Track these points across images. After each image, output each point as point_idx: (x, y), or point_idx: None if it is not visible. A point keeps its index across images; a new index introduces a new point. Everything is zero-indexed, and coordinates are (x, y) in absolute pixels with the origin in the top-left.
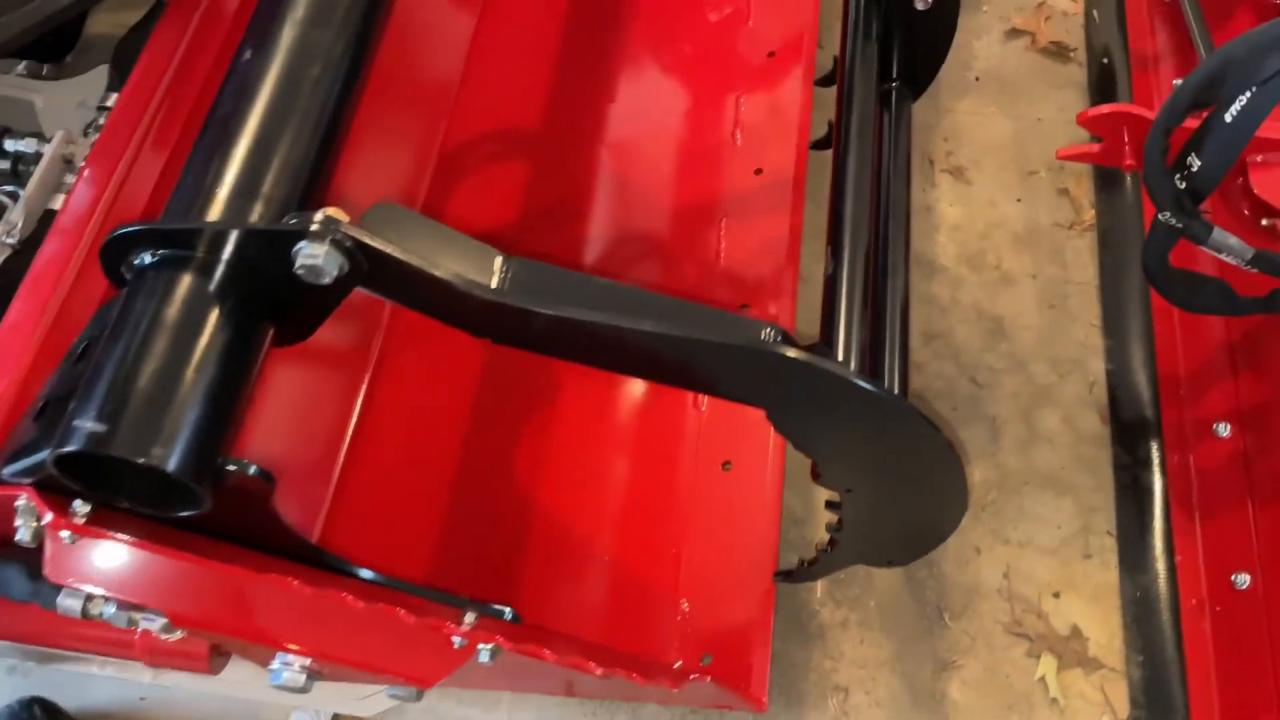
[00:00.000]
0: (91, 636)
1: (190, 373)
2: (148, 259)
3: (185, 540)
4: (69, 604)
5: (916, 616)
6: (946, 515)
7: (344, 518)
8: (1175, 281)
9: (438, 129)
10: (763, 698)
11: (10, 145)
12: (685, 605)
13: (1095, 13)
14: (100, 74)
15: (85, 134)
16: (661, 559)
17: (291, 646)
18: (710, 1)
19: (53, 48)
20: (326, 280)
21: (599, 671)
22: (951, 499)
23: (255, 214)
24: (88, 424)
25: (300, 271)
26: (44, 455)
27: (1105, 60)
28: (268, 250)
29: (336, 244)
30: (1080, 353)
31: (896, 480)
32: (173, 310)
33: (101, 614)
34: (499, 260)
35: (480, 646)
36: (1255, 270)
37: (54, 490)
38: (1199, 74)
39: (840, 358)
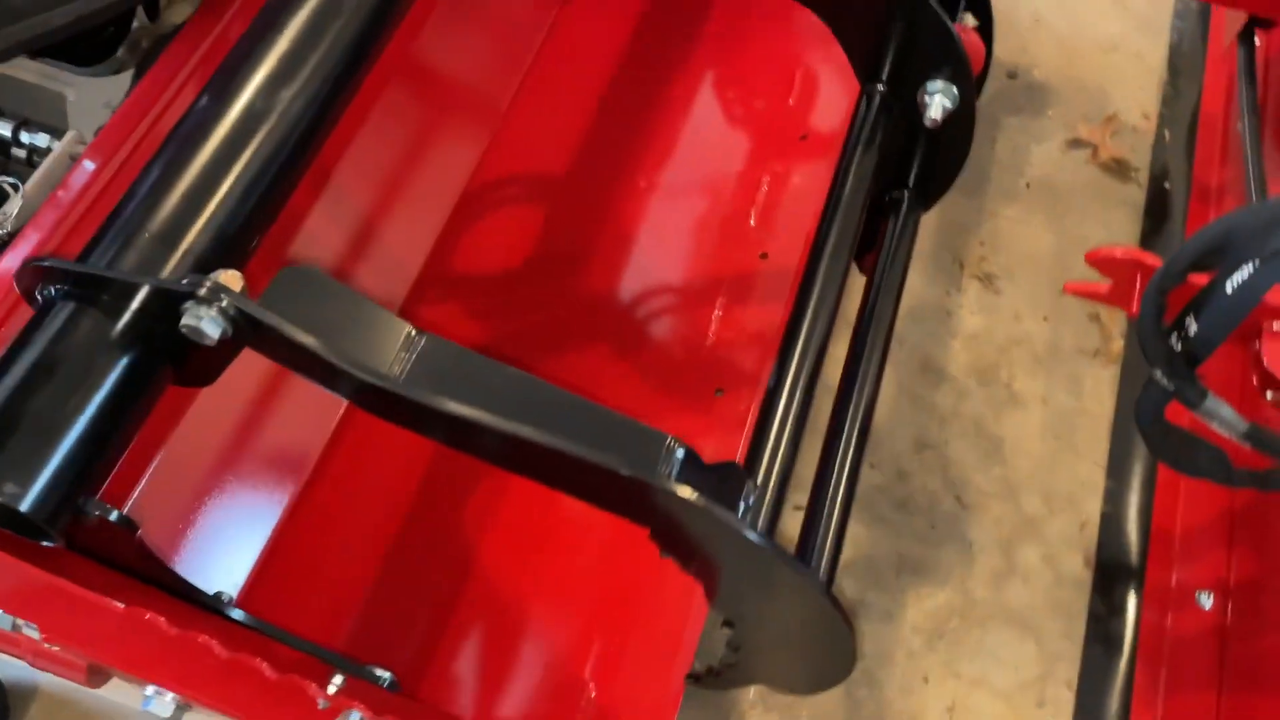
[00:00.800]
0: None
1: (66, 413)
2: (53, 291)
3: (67, 562)
4: None
5: None
6: (830, 671)
7: (279, 563)
8: (1168, 441)
9: (471, 157)
10: None
11: (26, 137)
12: (592, 691)
13: (1167, 132)
14: (128, 77)
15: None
16: (579, 642)
17: (154, 680)
18: (759, 71)
19: (83, 51)
20: (209, 342)
21: None
22: (836, 660)
23: (170, 264)
24: None
25: (184, 330)
26: None
27: (1165, 185)
28: (160, 305)
29: (222, 310)
30: (1077, 490)
31: (783, 627)
32: (64, 348)
33: None
34: (405, 336)
35: (348, 711)
36: (1247, 446)
37: None
38: (1200, 239)
39: (760, 481)
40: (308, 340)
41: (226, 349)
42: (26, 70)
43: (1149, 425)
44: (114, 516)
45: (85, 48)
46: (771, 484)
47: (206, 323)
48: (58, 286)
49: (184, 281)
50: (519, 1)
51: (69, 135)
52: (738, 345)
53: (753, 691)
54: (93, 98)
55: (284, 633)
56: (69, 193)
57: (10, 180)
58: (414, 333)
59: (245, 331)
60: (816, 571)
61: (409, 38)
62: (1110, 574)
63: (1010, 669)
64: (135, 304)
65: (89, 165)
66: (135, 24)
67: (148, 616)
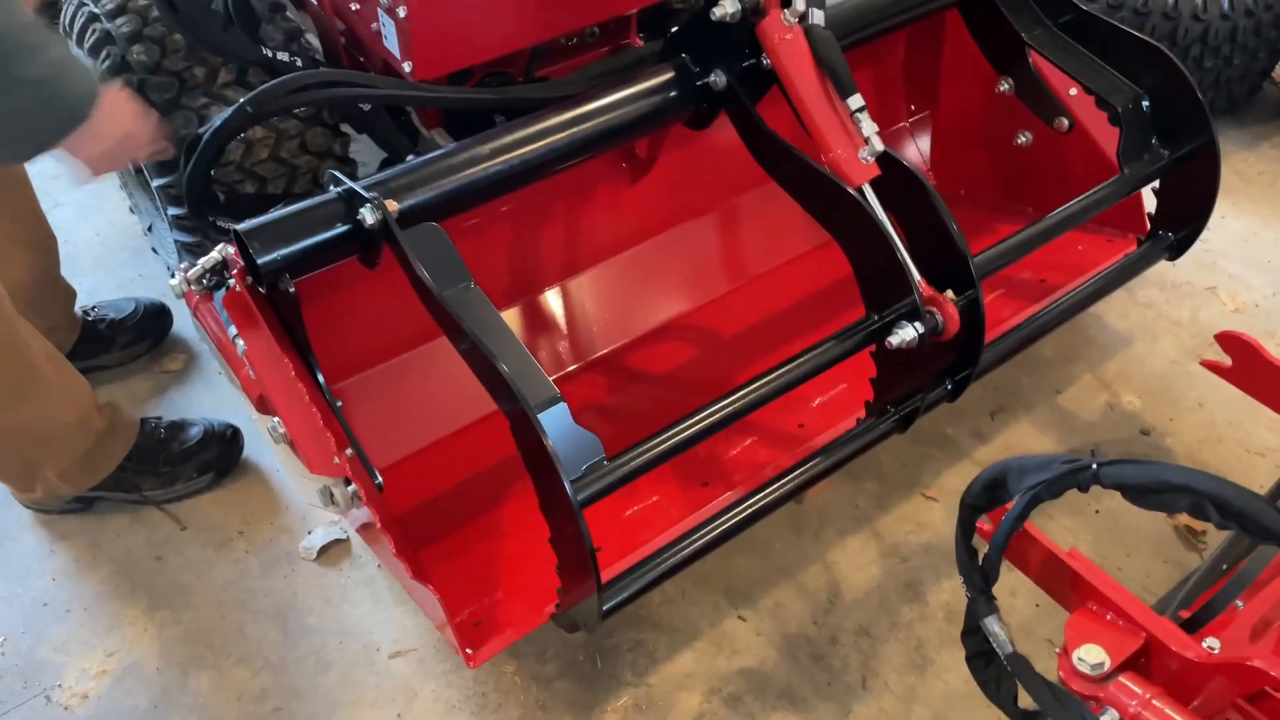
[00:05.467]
0: None
1: (300, 234)
2: (334, 185)
3: (264, 308)
4: None
5: None
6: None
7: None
8: (973, 649)
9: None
10: (471, 662)
11: None
12: (499, 593)
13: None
14: None
15: None
16: (514, 559)
17: (268, 396)
18: None
19: None
20: (367, 225)
21: (390, 549)
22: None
23: (388, 200)
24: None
25: (359, 217)
26: None
27: (1224, 568)
28: (358, 202)
29: (376, 213)
30: None
31: None
32: (321, 209)
33: None
34: (465, 281)
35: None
36: (1008, 668)
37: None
38: (987, 473)
39: (615, 466)
40: (407, 249)
41: (376, 238)
42: None
43: (964, 636)
44: (291, 289)
45: None
46: (620, 473)
47: (367, 213)
48: (337, 185)
49: (370, 194)
50: None
51: None
52: (743, 467)
53: (629, 676)
54: None
55: (347, 426)
56: None
57: None
58: (471, 284)
59: (386, 230)
60: (581, 487)
61: (721, 189)
62: None
63: None
64: (351, 200)
65: None
66: None
67: (285, 361)
